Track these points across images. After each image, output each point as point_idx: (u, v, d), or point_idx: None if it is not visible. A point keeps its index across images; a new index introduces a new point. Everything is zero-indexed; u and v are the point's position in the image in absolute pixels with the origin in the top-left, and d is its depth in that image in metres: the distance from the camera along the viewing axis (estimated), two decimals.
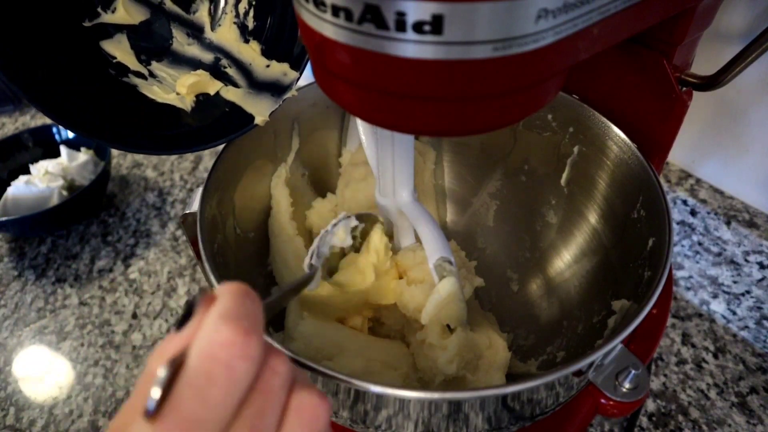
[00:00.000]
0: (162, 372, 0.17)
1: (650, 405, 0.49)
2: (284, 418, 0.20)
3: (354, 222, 0.39)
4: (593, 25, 0.22)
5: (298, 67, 0.39)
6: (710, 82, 0.37)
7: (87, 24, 0.37)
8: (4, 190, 0.68)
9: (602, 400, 0.32)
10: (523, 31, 0.20)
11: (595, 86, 0.43)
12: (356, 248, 0.40)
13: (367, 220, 0.40)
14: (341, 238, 0.38)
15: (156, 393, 0.17)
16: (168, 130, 0.39)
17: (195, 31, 0.41)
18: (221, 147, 0.41)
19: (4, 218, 0.61)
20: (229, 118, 0.40)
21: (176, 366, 0.18)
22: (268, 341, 0.21)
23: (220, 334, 0.18)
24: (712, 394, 0.50)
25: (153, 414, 0.17)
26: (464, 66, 0.20)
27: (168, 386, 0.17)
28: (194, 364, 0.18)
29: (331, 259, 0.38)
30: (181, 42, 0.41)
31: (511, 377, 0.43)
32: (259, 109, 0.40)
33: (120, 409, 0.19)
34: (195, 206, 0.37)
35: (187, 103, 0.40)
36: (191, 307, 0.20)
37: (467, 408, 0.29)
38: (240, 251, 0.44)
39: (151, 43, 0.40)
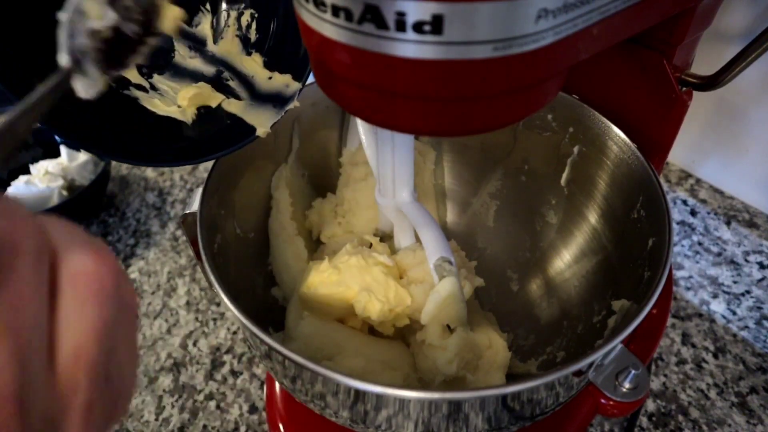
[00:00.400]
0: None
1: (650, 405, 0.49)
2: (57, 295, 0.16)
3: None
4: (593, 25, 0.22)
5: (300, 78, 0.39)
6: (710, 82, 0.37)
7: None
8: (4, 190, 0.68)
9: (602, 400, 0.32)
10: (523, 31, 0.20)
11: (595, 86, 0.43)
12: (140, 20, 0.28)
13: None
14: (96, 15, 0.26)
15: None
16: (169, 143, 0.39)
17: (197, 44, 0.41)
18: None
19: None
20: (231, 130, 0.40)
21: None
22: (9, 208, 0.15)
23: None
24: (712, 394, 0.50)
25: None
26: (464, 66, 0.20)
27: None
28: None
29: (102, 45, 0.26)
30: (183, 55, 0.41)
31: (511, 377, 0.43)
32: (261, 121, 0.40)
33: None
34: (195, 206, 0.37)
35: (188, 116, 0.40)
36: None
37: (467, 408, 0.29)
38: (240, 251, 0.44)
39: (153, 56, 0.40)
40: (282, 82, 0.40)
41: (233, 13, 0.41)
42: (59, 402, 0.15)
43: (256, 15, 0.41)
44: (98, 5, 0.26)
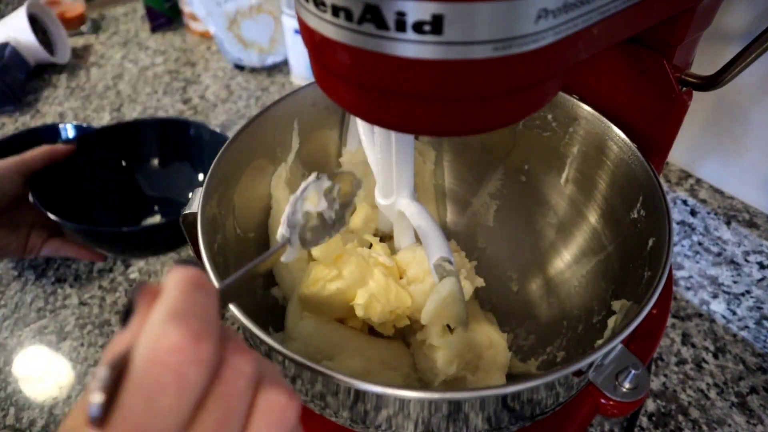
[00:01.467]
0: (103, 373, 0.16)
1: (650, 405, 0.49)
2: (250, 417, 0.19)
3: (326, 182, 0.35)
4: (593, 25, 0.22)
5: None
6: (710, 82, 0.37)
7: None
8: None
9: (602, 400, 0.32)
10: (523, 31, 0.20)
11: (595, 86, 0.43)
12: (337, 210, 0.36)
13: (342, 179, 0.37)
14: (314, 202, 0.34)
15: (97, 398, 0.16)
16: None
17: None
18: (221, 147, 0.41)
19: None
20: None
21: (119, 368, 0.16)
22: (231, 334, 0.19)
23: (167, 337, 0.17)
24: (712, 394, 0.50)
25: (98, 421, 0.16)
26: (464, 66, 0.20)
27: (112, 390, 0.16)
28: (141, 369, 0.16)
29: (309, 224, 0.35)
30: None
31: (511, 377, 0.43)
32: None
33: (70, 410, 0.19)
34: (195, 206, 0.37)
35: None
36: (132, 302, 0.18)
37: (467, 408, 0.29)
38: (240, 251, 0.44)
39: None
40: None
41: None
42: None
43: None
44: (317, 195, 0.34)
